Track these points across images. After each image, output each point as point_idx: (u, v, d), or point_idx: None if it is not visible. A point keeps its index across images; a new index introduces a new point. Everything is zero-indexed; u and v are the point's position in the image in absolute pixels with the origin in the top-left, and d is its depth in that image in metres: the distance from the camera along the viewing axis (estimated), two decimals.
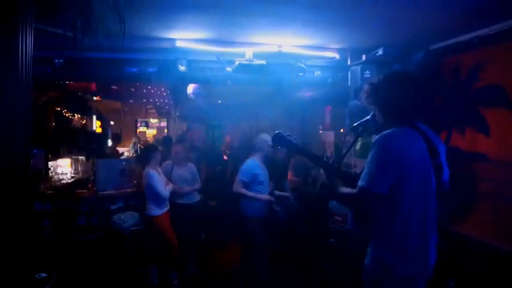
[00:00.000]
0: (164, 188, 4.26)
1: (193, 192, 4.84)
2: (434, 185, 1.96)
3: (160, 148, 4.87)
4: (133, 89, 8.52)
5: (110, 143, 9.74)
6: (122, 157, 8.27)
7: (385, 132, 1.93)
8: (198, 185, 4.87)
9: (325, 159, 2.25)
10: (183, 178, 4.71)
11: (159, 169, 4.51)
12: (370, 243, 2.01)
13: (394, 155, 1.84)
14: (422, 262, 1.91)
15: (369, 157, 1.90)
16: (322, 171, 2.24)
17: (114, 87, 7.93)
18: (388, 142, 1.88)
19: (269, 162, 5.17)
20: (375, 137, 1.98)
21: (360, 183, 1.89)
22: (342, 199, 2.21)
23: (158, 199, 4.26)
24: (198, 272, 4.78)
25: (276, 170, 4.95)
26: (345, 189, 2.07)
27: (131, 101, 9.53)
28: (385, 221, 1.91)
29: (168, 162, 4.80)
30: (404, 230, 1.87)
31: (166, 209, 4.38)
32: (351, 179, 2.16)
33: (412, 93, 1.97)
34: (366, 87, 2.12)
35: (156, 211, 4.27)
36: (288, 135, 2.35)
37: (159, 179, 4.26)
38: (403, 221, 1.87)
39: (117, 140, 8.94)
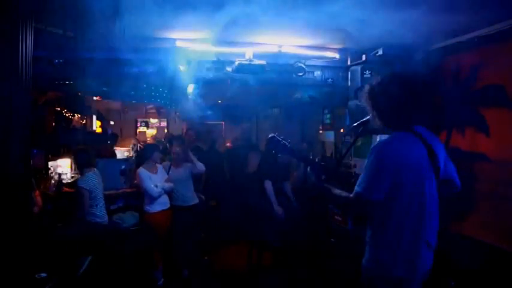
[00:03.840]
0: (153, 187, 4.25)
1: (192, 195, 4.77)
2: (435, 189, 1.97)
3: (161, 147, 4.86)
4: (127, 89, 8.42)
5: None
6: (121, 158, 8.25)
7: (382, 139, 1.97)
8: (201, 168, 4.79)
9: (317, 162, 2.26)
10: (180, 179, 4.69)
11: (159, 166, 4.51)
12: (366, 243, 2.03)
13: (390, 163, 1.87)
14: (414, 266, 1.91)
15: (367, 163, 1.92)
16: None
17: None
18: (385, 150, 1.91)
19: (270, 163, 5.16)
20: (376, 140, 1.99)
21: (356, 188, 1.92)
22: (331, 199, 2.22)
23: (149, 197, 4.29)
24: (195, 273, 4.76)
25: (275, 170, 4.95)
26: (336, 190, 2.08)
27: (134, 101, 9.50)
28: (380, 224, 1.95)
29: (166, 163, 4.78)
30: (398, 234, 1.90)
31: (162, 207, 4.37)
32: (344, 181, 2.18)
33: (410, 98, 1.96)
34: (366, 87, 2.11)
35: (150, 208, 4.29)
36: (283, 139, 2.35)
37: (149, 178, 4.27)
38: (396, 225, 1.90)
39: (114, 139, 8.66)
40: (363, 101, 2.10)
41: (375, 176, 1.88)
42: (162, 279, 4.44)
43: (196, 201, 4.83)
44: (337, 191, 2.07)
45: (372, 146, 1.99)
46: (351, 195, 1.94)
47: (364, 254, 2.04)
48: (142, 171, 4.31)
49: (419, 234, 1.91)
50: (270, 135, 2.37)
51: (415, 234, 1.90)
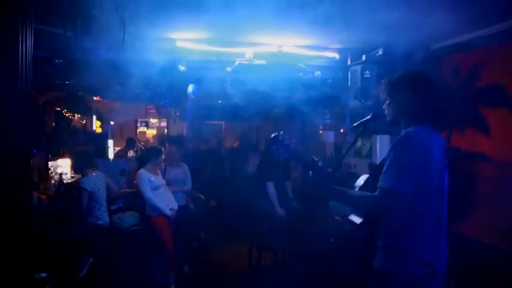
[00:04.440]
0: (149, 192, 4.20)
1: (180, 196, 4.71)
2: (447, 187, 1.94)
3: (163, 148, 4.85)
4: (127, 89, 8.43)
5: (110, 143, 9.72)
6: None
7: (408, 130, 1.86)
8: (188, 187, 4.78)
9: (319, 166, 2.14)
10: (176, 179, 4.67)
11: (158, 171, 4.49)
12: (381, 244, 1.92)
13: (419, 153, 1.77)
14: (438, 258, 1.86)
15: (391, 157, 1.80)
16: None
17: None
18: (413, 140, 1.81)
19: (270, 162, 5.16)
20: (376, 140, 1.96)
21: (382, 184, 1.79)
22: (353, 202, 2.05)
23: (146, 199, 4.25)
24: (197, 272, 4.77)
25: (276, 171, 4.96)
26: (351, 191, 2.00)
27: (137, 100, 9.50)
28: (402, 220, 1.82)
29: (161, 164, 4.76)
30: (423, 230, 1.81)
31: (161, 211, 4.35)
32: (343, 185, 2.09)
33: (432, 93, 1.93)
34: (388, 79, 2.03)
35: (150, 211, 4.26)
36: (287, 138, 2.20)
37: (148, 180, 4.23)
38: (422, 222, 1.81)
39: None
40: (382, 93, 2.04)
41: (403, 168, 1.75)
42: (162, 279, 4.42)
43: (184, 203, 4.80)
44: (355, 192, 1.99)
45: (373, 144, 1.96)
46: (376, 193, 1.81)
47: (365, 254, 1.99)
48: (142, 173, 4.25)
49: (441, 231, 1.86)
50: (273, 135, 2.24)
51: (438, 230, 1.85)
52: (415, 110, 1.94)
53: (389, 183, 1.76)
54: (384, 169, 1.82)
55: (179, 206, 4.64)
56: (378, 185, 1.81)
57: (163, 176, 4.62)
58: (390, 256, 1.87)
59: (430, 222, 1.83)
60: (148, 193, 4.18)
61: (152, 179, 4.28)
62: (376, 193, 1.82)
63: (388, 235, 1.90)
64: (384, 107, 2.09)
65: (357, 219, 2.02)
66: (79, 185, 4.25)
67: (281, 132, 2.15)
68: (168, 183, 4.55)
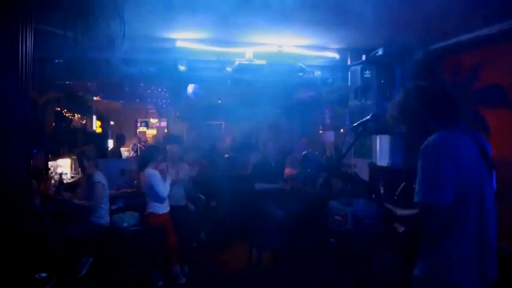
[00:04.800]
0: (164, 188, 4.27)
1: (179, 196, 4.74)
2: (492, 190, 1.85)
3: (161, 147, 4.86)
4: (126, 89, 8.47)
5: (110, 143, 9.73)
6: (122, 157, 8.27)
7: (432, 137, 1.74)
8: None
9: (355, 177, 2.22)
10: (176, 179, 4.68)
11: (159, 169, 4.52)
12: (422, 251, 1.84)
13: (452, 157, 1.66)
14: (479, 273, 1.76)
15: (420, 167, 1.70)
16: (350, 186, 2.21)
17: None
18: (440, 146, 1.69)
19: (263, 162, 5.17)
20: (375, 140, 1.96)
21: (418, 199, 1.69)
22: (406, 221, 1.95)
23: (158, 199, 4.27)
24: (197, 272, 4.77)
25: (269, 170, 4.97)
26: (402, 211, 1.92)
27: (137, 100, 9.52)
28: (442, 228, 1.74)
29: (163, 163, 4.77)
30: (461, 237, 1.72)
31: (166, 209, 4.38)
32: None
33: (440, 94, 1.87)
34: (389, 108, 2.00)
35: (158, 209, 4.29)
36: (316, 155, 2.40)
37: (160, 179, 4.28)
38: (459, 228, 1.72)
39: (121, 141, 8.82)
40: (392, 118, 1.98)
41: (436, 175, 1.65)
42: (161, 282, 4.42)
43: (183, 203, 4.85)
44: (400, 211, 1.92)
45: (372, 145, 1.96)
46: (415, 210, 1.74)
47: (367, 255, 1.98)
48: (152, 171, 4.28)
49: (484, 240, 1.77)
50: (303, 153, 2.39)
51: (478, 239, 1.75)
52: (438, 114, 1.85)
53: (425, 197, 1.68)
54: (416, 181, 1.73)
55: (179, 206, 4.67)
56: (415, 200, 1.72)
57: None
58: (429, 264, 1.79)
59: (468, 228, 1.73)
60: (162, 189, 4.22)
61: (159, 177, 4.35)
62: (416, 210, 1.75)
63: (429, 243, 1.81)
64: (371, 115, 2.08)
65: (400, 228, 1.99)
66: (94, 180, 4.29)
67: (310, 150, 2.31)
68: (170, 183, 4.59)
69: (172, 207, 4.59)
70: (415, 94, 1.91)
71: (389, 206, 1.98)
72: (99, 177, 4.36)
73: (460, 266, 1.72)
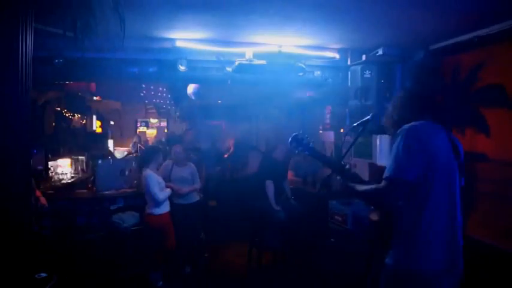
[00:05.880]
0: (160, 192, 4.25)
1: (192, 193, 4.83)
2: (458, 185, 1.94)
3: (161, 147, 4.88)
4: (126, 89, 8.51)
5: (110, 143, 9.74)
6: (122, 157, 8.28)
7: (405, 125, 1.91)
8: (198, 185, 4.86)
9: (341, 164, 2.24)
10: (183, 178, 4.72)
11: (158, 172, 4.52)
12: (393, 241, 1.94)
13: (421, 142, 1.83)
14: (451, 256, 1.86)
15: (394, 148, 1.86)
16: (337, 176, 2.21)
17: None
18: (414, 131, 1.86)
19: (268, 161, 5.17)
20: (376, 140, 2.01)
21: (386, 174, 1.85)
22: (363, 195, 2.08)
23: (155, 200, 4.27)
24: (194, 272, 4.77)
25: (275, 170, 4.96)
26: (362, 186, 2.03)
27: (137, 100, 9.55)
28: (412, 214, 1.86)
29: (168, 162, 4.80)
30: (433, 222, 1.82)
31: (166, 209, 4.38)
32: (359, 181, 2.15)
33: (437, 89, 2.04)
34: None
35: (156, 210, 4.29)
36: (306, 137, 2.35)
37: (157, 182, 4.26)
38: (430, 214, 1.83)
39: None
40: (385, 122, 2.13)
41: (406, 157, 1.81)
42: (161, 282, 4.42)
43: (197, 198, 4.92)
44: (362, 186, 2.02)
45: (372, 145, 2.01)
46: (382, 184, 1.86)
47: (365, 254, 2.02)
48: (149, 173, 4.28)
49: (453, 226, 1.87)
50: (293, 134, 2.37)
51: (449, 225, 1.86)
52: (409, 108, 2.02)
53: (391, 172, 1.82)
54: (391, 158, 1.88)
55: (193, 202, 4.81)
56: (384, 176, 1.86)
57: (170, 175, 4.66)
58: (401, 252, 1.89)
59: (440, 220, 1.83)
60: (157, 192, 4.23)
61: (160, 180, 4.35)
62: (381, 184, 1.87)
63: (399, 232, 1.93)
64: (371, 115, 2.20)
65: (374, 217, 2.11)
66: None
67: (300, 132, 2.29)
68: (174, 182, 4.60)
69: (185, 206, 4.66)
70: (402, 97, 2.09)
71: (351, 184, 2.09)
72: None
73: (429, 256, 1.82)
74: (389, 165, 1.86)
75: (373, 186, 1.95)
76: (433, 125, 1.95)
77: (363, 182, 2.12)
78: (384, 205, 2.03)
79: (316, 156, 2.37)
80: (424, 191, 1.84)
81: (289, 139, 2.38)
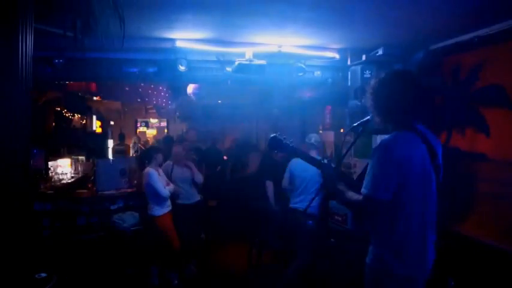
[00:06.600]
0: (164, 188, 4.28)
1: (192, 193, 4.82)
2: (435, 187, 1.99)
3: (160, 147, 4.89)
4: (127, 88, 8.55)
5: (110, 143, 9.74)
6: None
7: (385, 138, 1.95)
8: (200, 178, 4.83)
9: (323, 161, 2.26)
10: (183, 178, 4.72)
11: (160, 170, 4.53)
12: (371, 242, 2.03)
13: (395, 161, 1.86)
14: (421, 262, 1.94)
15: (371, 164, 1.92)
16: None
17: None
18: (388, 149, 1.90)
19: (268, 163, 5.17)
20: (375, 140, 2.01)
21: (363, 190, 1.91)
22: (345, 203, 2.16)
23: (159, 199, 4.27)
24: (199, 271, 4.79)
25: (275, 170, 4.96)
26: (349, 193, 2.06)
27: (139, 100, 9.57)
28: (387, 223, 1.94)
29: (169, 163, 4.81)
30: (405, 231, 1.90)
31: (168, 209, 4.39)
32: (349, 182, 2.16)
33: (411, 94, 1.97)
34: (369, 84, 2.11)
35: (158, 211, 4.29)
36: (285, 138, 2.34)
37: (158, 179, 4.28)
38: (404, 223, 1.90)
39: (122, 139, 9.24)
40: (365, 99, 2.11)
41: (381, 175, 1.87)
42: (176, 281, 4.43)
43: (198, 198, 4.92)
44: (349, 194, 2.05)
45: (374, 146, 2.00)
46: (361, 198, 1.94)
47: (366, 253, 2.04)
48: (151, 171, 4.29)
49: (425, 232, 1.93)
50: (271, 135, 2.35)
51: (421, 232, 1.92)
52: (391, 113, 2.00)
53: (368, 190, 1.89)
54: (366, 172, 1.93)
55: (194, 202, 4.81)
56: (361, 191, 1.92)
57: (171, 174, 4.68)
58: (376, 254, 1.98)
59: (412, 223, 1.91)
60: (161, 188, 4.25)
61: (162, 176, 4.37)
62: (360, 197, 1.94)
63: (373, 233, 2.02)
64: (371, 115, 2.13)
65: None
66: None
67: (278, 133, 2.26)
68: (175, 182, 4.61)
69: (186, 206, 4.66)
70: (388, 81, 2.03)
71: (341, 188, 2.11)
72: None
73: (403, 256, 1.90)
74: (366, 180, 1.91)
75: (356, 198, 1.99)
76: (408, 137, 1.95)
77: (352, 182, 2.16)
78: (362, 216, 2.14)
79: (299, 155, 2.37)
80: (397, 204, 1.90)
81: (268, 142, 2.34)
